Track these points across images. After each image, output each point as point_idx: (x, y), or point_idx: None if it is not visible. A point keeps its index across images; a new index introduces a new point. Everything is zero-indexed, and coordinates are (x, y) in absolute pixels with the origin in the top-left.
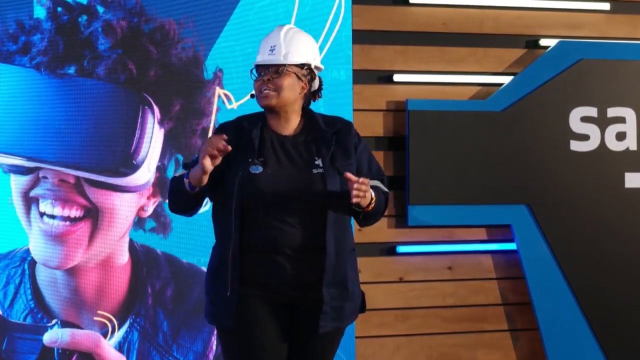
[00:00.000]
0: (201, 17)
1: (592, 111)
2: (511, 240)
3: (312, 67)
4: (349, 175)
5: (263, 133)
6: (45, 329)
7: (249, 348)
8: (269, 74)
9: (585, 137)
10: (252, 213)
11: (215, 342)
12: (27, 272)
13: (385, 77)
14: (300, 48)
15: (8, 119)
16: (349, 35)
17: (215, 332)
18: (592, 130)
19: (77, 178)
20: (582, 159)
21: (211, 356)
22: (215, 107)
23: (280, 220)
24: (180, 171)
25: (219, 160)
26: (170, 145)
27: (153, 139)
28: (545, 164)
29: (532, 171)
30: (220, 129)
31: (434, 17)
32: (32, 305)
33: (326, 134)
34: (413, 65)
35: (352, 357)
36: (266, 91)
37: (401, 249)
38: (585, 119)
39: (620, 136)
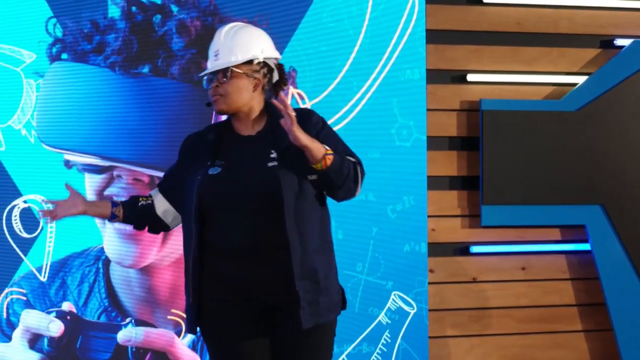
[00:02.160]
0: (275, 16)
1: None
2: (585, 241)
3: (262, 60)
4: (274, 101)
5: (225, 136)
6: (119, 328)
7: (226, 356)
8: (216, 81)
9: None
10: (210, 214)
11: None
12: (101, 270)
13: (459, 77)
14: (243, 45)
15: (83, 118)
16: (422, 34)
17: None
18: None
19: (151, 177)
20: None
21: None
22: None
23: (237, 220)
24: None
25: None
26: None
27: None
28: (620, 164)
29: (607, 171)
30: (182, 145)
31: (507, 16)
32: (106, 304)
33: (272, 126)
34: (487, 65)
35: (425, 357)
36: (215, 97)
37: (475, 249)
38: None
39: None
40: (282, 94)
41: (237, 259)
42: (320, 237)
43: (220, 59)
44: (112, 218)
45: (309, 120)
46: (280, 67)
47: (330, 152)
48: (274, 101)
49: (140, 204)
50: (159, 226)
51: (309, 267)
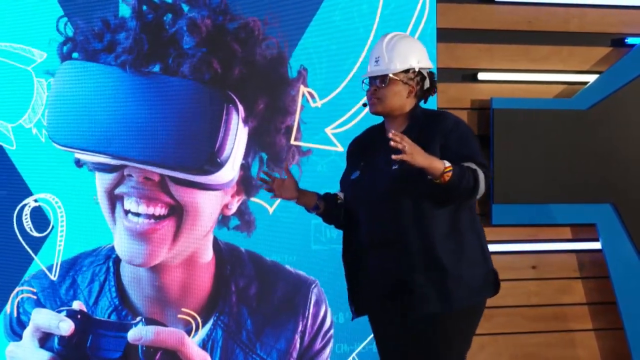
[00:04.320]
0: (286, 15)
1: None
2: (596, 240)
3: (418, 69)
4: (391, 135)
5: (376, 137)
6: (130, 327)
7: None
8: (375, 85)
9: None
10: (352, 213)
11: (298, 341)
12: (111, 269)
13: (470, 76)
14: (402, 55)
15: (93, 117)
16: (433, 33)
17: (299, 330)
18: None
19: (162, 176)
20: None
21: (295, 354)
22: (299, 105)
23: (366, 218)
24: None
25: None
26: (254, 143)
27: (237, 137)
28: (631, 162)
29: (617, 170)
30: (348, 146)
31: (518, 15)
32: (117, 303)
33: (414, 128)
34: (498, 63)
35: None
36: (372, 100)
37: None
38: None
39: None
40: (393, 130)
41: (369, 252)
42: (447, 229)
43: (380, 65)
44: (315, 209)
45: (438, 126)
46: (431, 75)
47: (449, 168)
48: (391, 135)
49: (338, 201)
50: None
51: (433, 258)
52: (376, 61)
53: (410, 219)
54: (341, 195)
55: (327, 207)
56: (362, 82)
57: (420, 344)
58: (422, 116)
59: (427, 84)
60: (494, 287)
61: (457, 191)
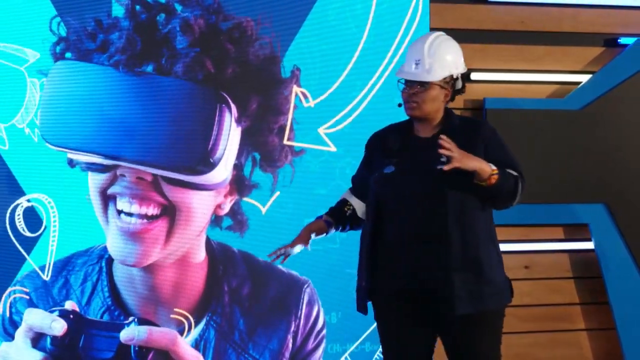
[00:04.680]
0: (279, 15)
1: None
2: (589, 240)
3: (456, 76)
4: (441, 141)
5: (404, 136)
6: (122, 326)
7: (388, 337)
8: (414, 88)
9: None
10: (385, 209)
11: (291, 341)
12: (104, 269)
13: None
14: (444, 62)
15: (86, 117)
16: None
17: (292, 330)
18: None
19: (155, 176)
20: None
21: (287, 354)
22: (292, 105)
23: (405, 213)
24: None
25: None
26: (247, 143)
27: (230, 136)
28: (623, 162)
29: (610, 170)
30: (368, 140)
31: (512, 15)
32: (110, 303)
33: (454, 132)
34: (491, 63)
35: None
36: (410, 103)
37: None
38: None
39: None
40: (442, 135)
41: (404, 250)
42: (485, 232)
43: (420, 69)
44: (327, 233)
45: (478, 133)
46: (463, 76)
47: (496, 171)
48: (441, 141)
49: (347, 213)
50: (358, 225)
51: (471, 259)
52: (416, 64)
53: (454, 218)
54: (351, 204)
55: (338, 226)
56: (398, 81)
57: (450, 343)
58: (457, 120)
59: (458, 84)
60: (511, 293)
61: (500, 195)
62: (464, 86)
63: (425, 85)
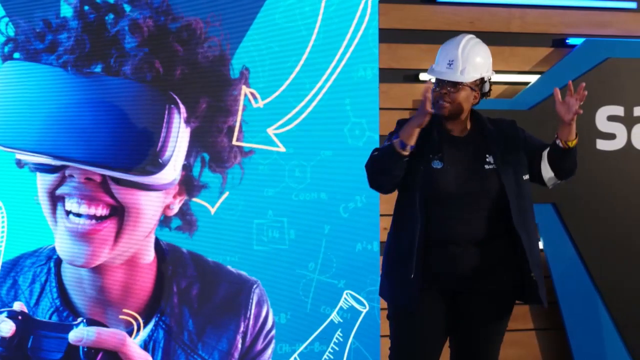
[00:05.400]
0: (227, 15)
1: (619, 110)
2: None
3: (487, 79)
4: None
5: (439, 132)
6: (71, 327)
7: (413, 332)
8: (445, 87)
9: (611, 136)
10: (432, 205)
11: (240, 341)
12: (52, 270)
13: (412, 76)
14: (476, 64)
15: (34, 118)
16: (375, 33)
17: (241, 330)
18: (619, 129)
19: (103, 176)
20: (609, 158)
21: (236, 354)
22: (241, 105)
23: (457, 214)
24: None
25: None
26: (196, 143)
27: (179, 137)
28: None
29: None
30: (399, 123)
31: (460, 15)
32: (58, 304)
33: (493, 133)
34: None
35: (377, 356)
36: (442, 102)
37: None
38: (611, 118)
39: None
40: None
41: (450, 248)
42: (536, 229)
43: (453, 70)
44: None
45: (515, 130)
46: (490, 79)
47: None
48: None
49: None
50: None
51: (536, 255)
52: (449, 64)
53: (517, 216)
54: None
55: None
56: (429, 80)
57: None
58: (486, 121)
59: (486, 87)
60: None
61: (572, 160)
62: (490, 89)
63: (457, 86)
